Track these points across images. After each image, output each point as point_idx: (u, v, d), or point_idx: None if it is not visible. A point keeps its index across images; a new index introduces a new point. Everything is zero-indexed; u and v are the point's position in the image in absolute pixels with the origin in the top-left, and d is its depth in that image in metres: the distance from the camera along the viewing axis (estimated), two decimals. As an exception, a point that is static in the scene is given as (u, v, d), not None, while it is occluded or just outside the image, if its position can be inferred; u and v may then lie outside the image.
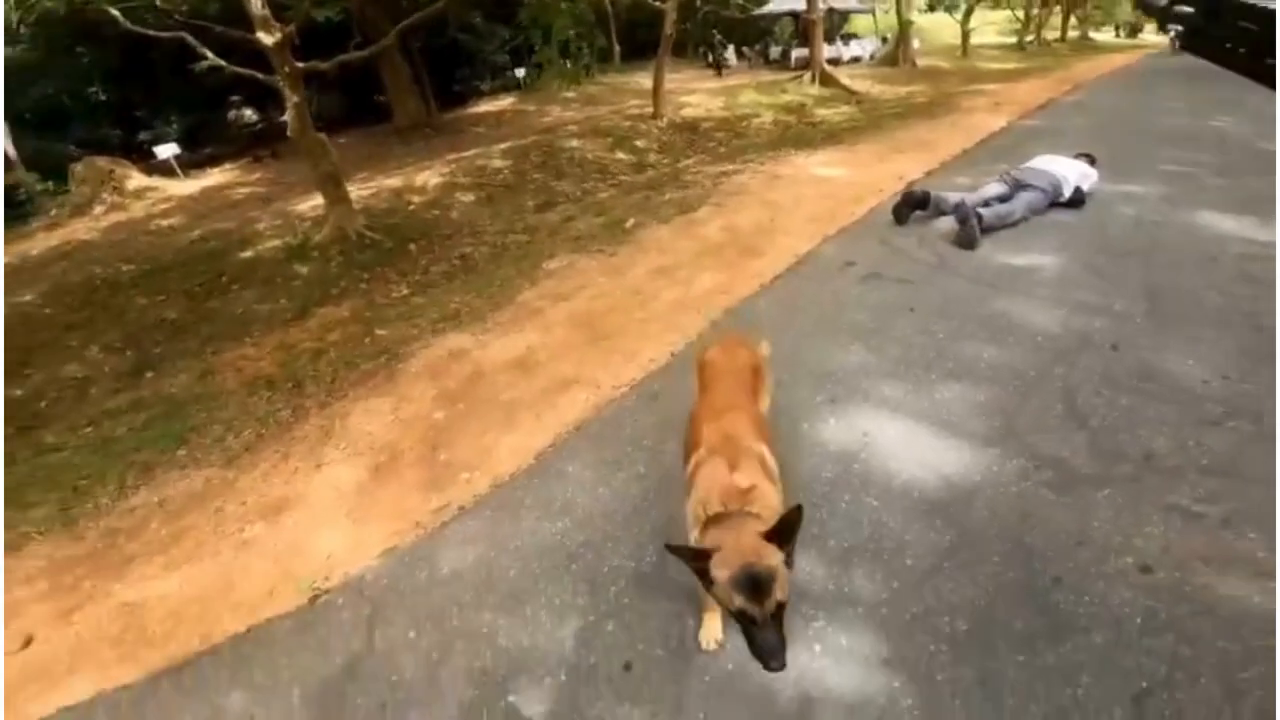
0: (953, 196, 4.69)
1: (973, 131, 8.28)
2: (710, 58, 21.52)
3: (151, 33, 6.78)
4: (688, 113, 12.09)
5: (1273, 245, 3.83)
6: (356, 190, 8.11)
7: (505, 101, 17.92)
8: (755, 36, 24.43)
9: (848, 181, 6.31)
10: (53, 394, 4.88)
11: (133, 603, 2.41)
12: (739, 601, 1.30)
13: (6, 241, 10.38)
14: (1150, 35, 29.44)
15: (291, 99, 6.44)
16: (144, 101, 15.79)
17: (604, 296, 4.31)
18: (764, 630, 1.30)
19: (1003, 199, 4.72)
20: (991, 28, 27.55)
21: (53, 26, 11.01)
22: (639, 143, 10.45)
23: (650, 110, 11.62)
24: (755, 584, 1.29)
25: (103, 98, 15.13)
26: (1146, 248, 4.08)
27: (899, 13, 18.59)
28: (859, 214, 5.26)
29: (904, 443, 2.56)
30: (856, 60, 21.01)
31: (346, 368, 3.98)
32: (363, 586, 2.29)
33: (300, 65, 6.58)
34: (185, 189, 12.32)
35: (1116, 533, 2.04)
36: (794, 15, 20.75)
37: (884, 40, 22.39)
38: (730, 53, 22.34)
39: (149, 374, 4.87)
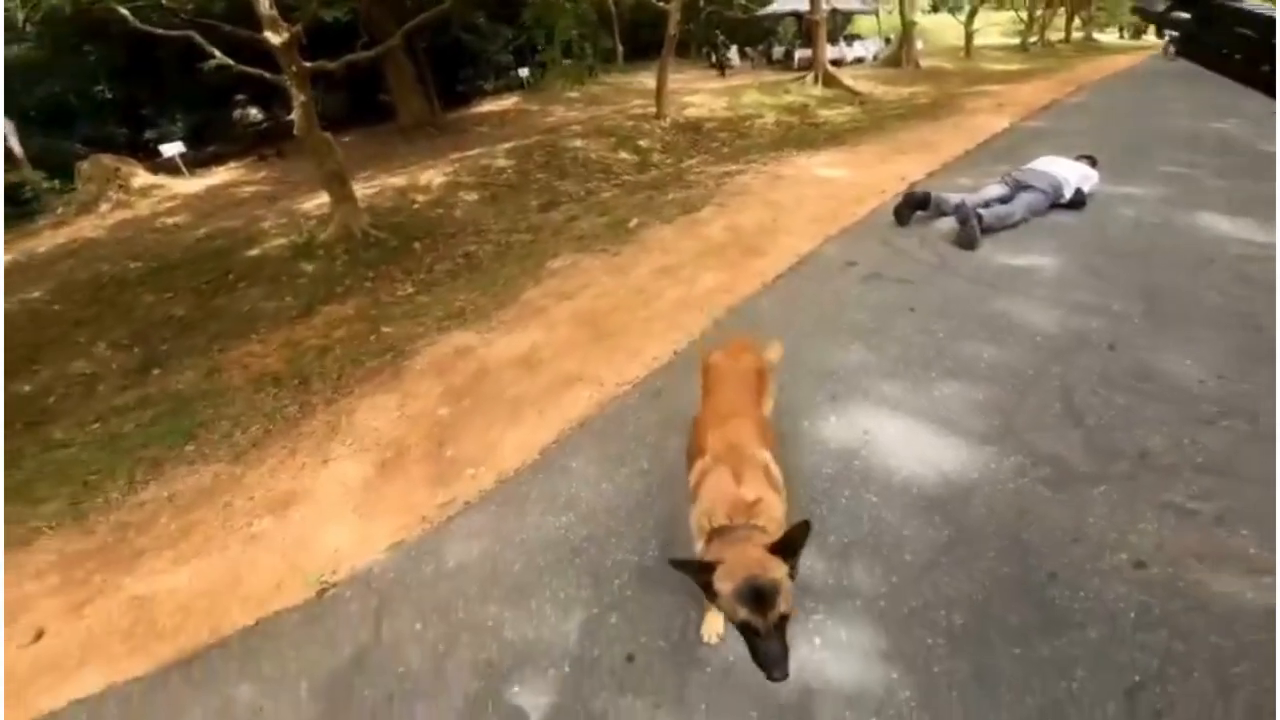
0: (953, 197, 4.72)
1: (975, 133, 8.29)
2: (713, 58, 21.54)
3: (160, 31, 6.81)
4: (691, 113, 12.11)
5: (1270, 247, 3.85)
6: (361, 189, 8.15)
7: (509, 101, 17.95)
8: (759, 37, 24.44)
9: (850, 182, 6.33)
10: (61, 390, 4.92)
11: (143, 596, 2.44)
12: (743, 614, 1.30)
13: (14, 239, 10.45)
14: (1154, 37, 29.39)
15: (298, 98, 6.48)
16: (150, 100, 15.86)
17: (607, 295, 4.34)
18: (767, 641, 1.31)
19: (1003, 200, 4.75)
20: (995, 29, 27.52)
21: (59, 25, 11.07)
22: (642, 143, 10.47)
23: (653, 110, 11.64)
24: (759, 597, 1.29)
25: (109, 96, 15.19)
26: (1145, 249, 4.11)
27: (902, 14, 18.61)
28: (861, 214, 5.29)
29: (903, 440, 2.59)
30: (860, 61, 21.01)
31: (352, 365, 4.02)
32: (370, 580, 2.32)
33: (307, 65, 6.62)
34: (191, 187, 12.37)
35: (1112, 529, 2.08)
36: (797, 16, 20.74)
37: (887, 41, 22.38)
38: (733, 53, 22.35)
39: (156, 371, 4.92)
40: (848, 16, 24.97)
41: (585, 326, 3.94)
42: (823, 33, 15.15)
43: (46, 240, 10.19)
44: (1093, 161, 5.21)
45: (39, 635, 2.36)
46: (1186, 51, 1.02)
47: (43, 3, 7.55)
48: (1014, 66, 18.13)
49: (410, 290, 5.48)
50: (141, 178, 12.17)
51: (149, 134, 15.19)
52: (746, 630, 1.32)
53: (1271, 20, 0.82)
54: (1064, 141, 6.57)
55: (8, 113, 12.12)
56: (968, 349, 3.17)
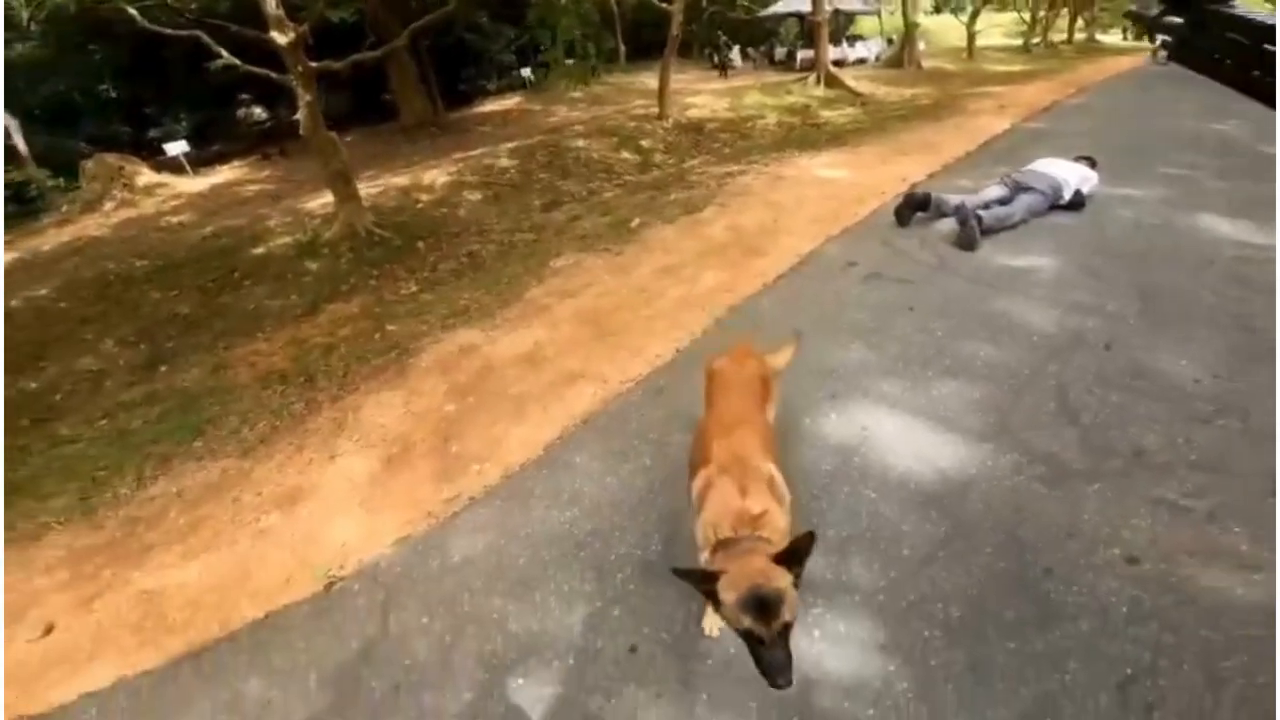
0: (953, 198, 4.75)
1: (977, 134, 8.30)
2: (715, 59, 21.53)
3: (169, 32, 6.86)
4: (693, 113, 12.14)
5: (1267, 248, 3.88)
6: (365, 188, 8.19)
7: (511, 101, 17.98)
8: (761, 38, 24.43)
9: (851, 183, 6.36)
10: (68, 387, 4.96)
11: (152, 590, 2.48)
12: (747, 622, 1.31)
13: (19, 237, 10.50)
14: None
15: (304, 98, 6.52)
16: (154, 99, 15.91)
17: (610, 294, 4.38)
18: (771, 649, 1.31)
19: (1003, 201, 4.77)
20: (997, 29, 27.45)
21: (63, 24, 11.10)
22: (644, 143, 10.51)
23: (655, 111, 11.66)
24: (763, 605, 1.30)
25: (113, 95, 15.23)
26: (1143, 250, 4.14)
27: (905, 14, 18.60)
28: (861, 215, 5.32)
29: (901, 437, 2.63)
30: (862, 62, 20.99)
31: (358, 362, 4.06)
32: (377, 574, 2.36)
33: (313, 65, 6.66)
34: (195, 186, 12.41)
35: (1105, 525, 2.11)
36: (799, 16, 20.73)
37: (889, 42, 22.35)
38: (735, 54, 22.34)
39: (163, 368, 4.96)
40: (850, 17, 24.94)
41: (588, 325, 3.98)
42: (825, 33, 15.16)
43: (51, 238, 10.23)
44: (1092, 163, 5.23)
45: (49, 629, 2.39)
46: (1178, 56, 1.04)
47: (47, 1, 7.58)
48: (1016, 67, 18.12)
49: (414, 289, 5.52)
50: (146, 176, 12.22)
51: (153, 133, 15.26)
52: (750, 639, 1.33)
53: (1262, 26, 0.85)
54: (1066, 143, 6.59)
55: (13, 111, 12.16)
56: (966, 348, 3.21)
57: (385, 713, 1.88)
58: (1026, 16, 25.16)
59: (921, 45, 19.86)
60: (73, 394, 4.85)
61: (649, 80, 14.79)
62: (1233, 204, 4.74)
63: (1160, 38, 1.05)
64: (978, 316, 3.50)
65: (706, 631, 1.92)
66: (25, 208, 11.85)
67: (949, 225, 4.62)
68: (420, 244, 6.80)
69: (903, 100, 12.83)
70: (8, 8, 7.24)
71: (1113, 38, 33.48)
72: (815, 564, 2.08)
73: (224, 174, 13.62)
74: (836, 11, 19.89)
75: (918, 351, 3.23)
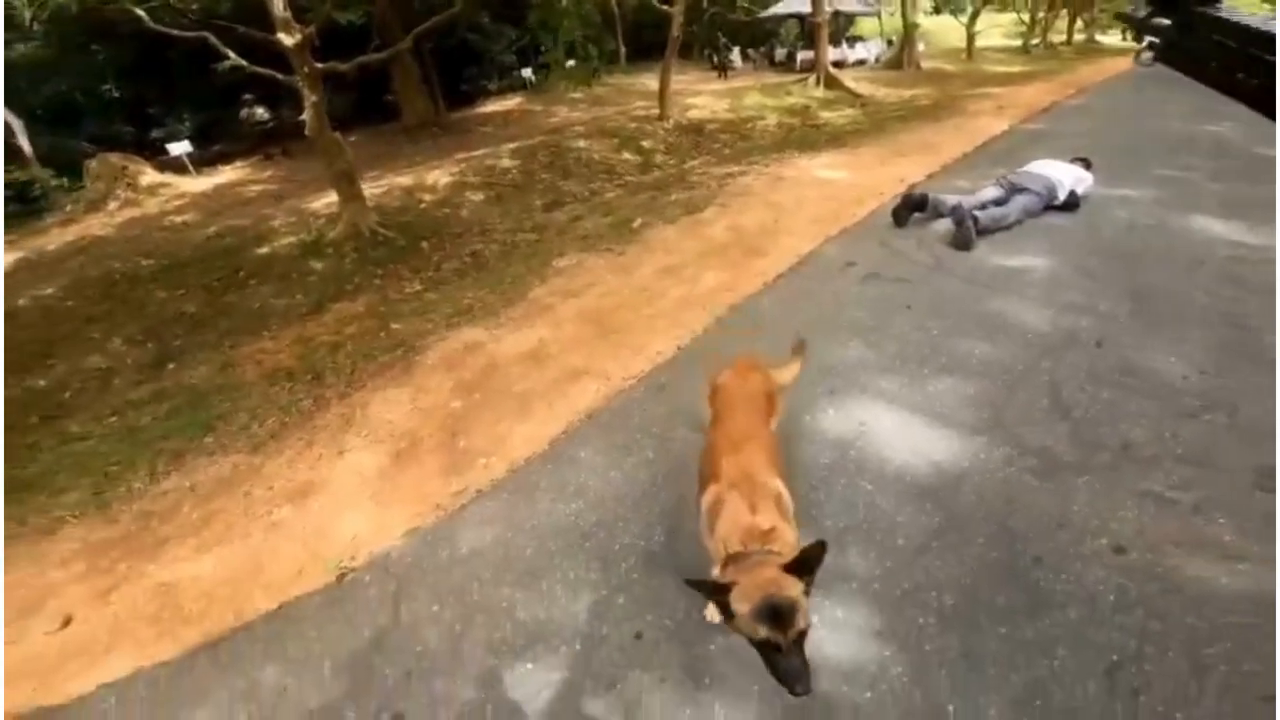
0: (950, 199, 4.82)
1: (975, 135, 8.36)
2: (716, 60, 21.57)
3: (175, 33, 6.89)
4: (693, 114, 12.19)
5: (1259, 248, 3.94)
6: (368, 188, 8.23)
7: (512, 101, 18.02)
8: (761, 39, 24.48)
9: (850, 184, 6.42)
10: (76, 384, 5.01)
11: (168, 583, 2.53)
12: (763, 632, 1.31)
13: (23, 237, 10.54)
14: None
15: (310, 99, 6.56)
16: (157, 99, 15.92)
17: (612, 294, 4.44)
18: (788, 657, 1.31)
19: (999, 202, 4.84)
20: (997, 30, 27.43)
21: (66, 24, 11.10)
22: (645, 144, 10.56)
23: (656, 111, 11.72)
24: (777, 615, 1.31)
25: (116, 95, 15.25)
26: (1137, 250, 4.20)
27: (904, 15, 18.64)
28: (860, 216, 5.39)
29: (898, 432, 2.70)
30: (861, 63, 21.04)
31: (364, 360, 4.12)
32: (388, 565, 2.42)
33: (319, 66, 6.71)
34: (198, 186, 12.45)
35: (1094, 516, 2.18)
36: (799, 18, 20.78)
37: (889, 43, 22.39)
38: (736, 55, 22.38)
39: (170, 365, 5.01)
40: (850, 19, 24.99)
41: (591, 323, 4.04)
42: (824, 35, 15.21)
43: (55, 238, 10.26)
44: (1087, 164, 5.30)
45: (67, 621, 2.43)
46: (1166, 58, 1.06)
47: (49, 1, 7.61)
48: (1015, 68, 18.16)
49: (419, 288, 5.57)
50: (149, 176, 12.25)
51: (156, 133, 15.27)
52: (766, 648, 1.34)
53: (1249, 29, 0.87)
54: (1064, 144, 6.65)
55: (17, 111, 12.19)
56: (961, 346, 3.27)
57: (398, 699, 1.93)
58: (1026, 17, 25.18)
59: (921, 46, 19.92)
60: (82, 391, 4.89)
61: (650, 81, 14.84)
62: (1227, 205, 4.81)
63: (1146, 39, 1.08)
64: (973, 315, 3.57)
65: (709, 618, 1.98)
66: (29, 207, 11.88)
67: (945, 226, 4.69)
68: (424, 244, 6.85)
69: (902, 101, 12.88)
70: (9, 7, 7.24)
71: (1112, 38, 33.44)
72: (814, 553, 2.16)
73: (227, 174, 13.65)
74: (836, 13, 19.93)
75: (914, 349, 3.30)
